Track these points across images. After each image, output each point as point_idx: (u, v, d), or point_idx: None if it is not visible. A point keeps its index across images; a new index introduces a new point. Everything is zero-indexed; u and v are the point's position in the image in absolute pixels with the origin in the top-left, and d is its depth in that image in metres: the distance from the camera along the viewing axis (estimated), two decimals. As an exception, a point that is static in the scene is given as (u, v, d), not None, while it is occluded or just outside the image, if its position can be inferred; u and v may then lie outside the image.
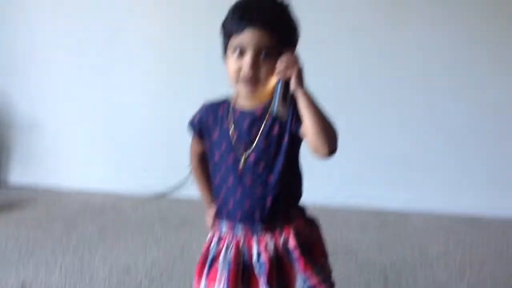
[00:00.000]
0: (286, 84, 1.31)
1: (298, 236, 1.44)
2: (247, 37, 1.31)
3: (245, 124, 1.41)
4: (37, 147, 3.86)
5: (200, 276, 1.48)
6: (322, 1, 3.36)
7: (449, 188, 3.43)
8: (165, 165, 3.61)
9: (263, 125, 1.40)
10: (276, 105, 1.32)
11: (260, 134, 1.40)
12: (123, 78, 3.67)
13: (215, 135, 1.46)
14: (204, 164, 1.57)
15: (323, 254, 1.53)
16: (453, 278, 2.54)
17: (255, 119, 1.41)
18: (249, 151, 1.41)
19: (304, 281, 1.44)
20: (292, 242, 1.42)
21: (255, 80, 1.35)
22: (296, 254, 1.42)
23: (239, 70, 1.34)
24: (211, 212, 1.53)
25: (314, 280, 1.44)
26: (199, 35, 3.34)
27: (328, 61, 3.36)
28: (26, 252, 2.77)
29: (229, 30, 1.35)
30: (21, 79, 3.78)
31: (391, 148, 3.46)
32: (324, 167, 3.49)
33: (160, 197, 3.62)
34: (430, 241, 2.98)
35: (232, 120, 1.43)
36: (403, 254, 2.81)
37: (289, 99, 1.33)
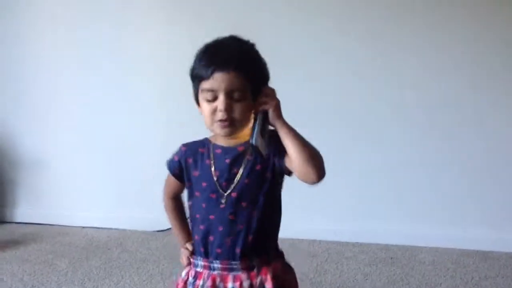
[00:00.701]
0: (264, 117, 1.35)
1: (275, 279, 1.43)
2: (217, 81, 1.33)
3: (226, 161, 1.42)
4: (42, 184, 3.87)
5: None
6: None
7: (458, 222, 3.41)
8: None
9: (245, 161, 1.41)
10: (255, 137, 1.33)
11: (243, 171, 1.41)
12: (128, 114, 3.69)
13: (196, 174, 1.46)
14: (178, 203, 1.61)
15: None
16: (462, 314, 2.51)
17: (237, 156, 1.42)
18: (232, 188, 1.41)
19: None
20: (268, 285, 1.42)
21: (230, 122, 1.36)
22: None
23: (213, 113, 1.36)
24: (185, 249, 1.53)
25: None
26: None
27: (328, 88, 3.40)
28: (31, 288, 2.76)
29: (198, 75, 1.37)
30: (27, 116, 3.81)
31: (399, 183, 3.46)
32: (331, 202, 3.51)
33: (165, 233, 3.60)
34: (439, 276, 2.95)
35: (213, 158, 1.44)
36: (411, 289, 2.78)
37: (267, 132, 1.35)
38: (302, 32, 3.43)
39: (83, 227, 3.72)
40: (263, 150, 1.36)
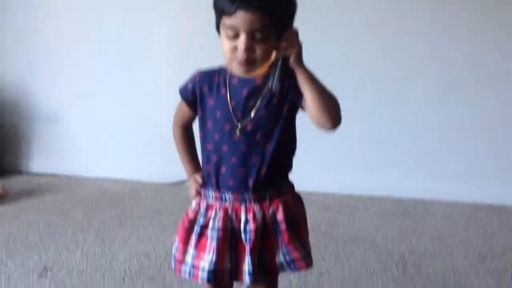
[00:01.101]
0: (285, 61, 1.32)
1: (286, 210, 1.45)
2: (239, 20, 1.28)
3: (244, 92, 1.40)
4: (57, 137, 3.89)
5: (185, 244, 1.48)
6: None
7: (471, 176, 3.41)
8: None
9: (262, 94, 1.39)
10: (275, 83, 1.33)
11: (260, 103, 1.39)
12: (142, 66, 3.68)
13: (210, 103, 1.43)
14: (188, 132, 1.58)
15: (306, 231, 1.54)
16: (472, 267, 2.52)
17: (254, 88, 1.40)
18: (247, 120, 1.40)
19: (285, 255, 1.45)
20: (280, 215, 1.44)
21: (250, 62, 1.33)
22: (282, 227, 1.44)
23: (233, 50, 1.32)
24: (194, 180, 1.53)
25: (295, 254, 1.46)
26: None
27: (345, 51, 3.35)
28: (47, 237, 2.80)
29: (220, 8, 1.31)
30: (41, 71, 3.81)
31: (413, 137, 3.44)
32: (346, 156, 3.51)
33: (179, 184, 3.63)
34: (451, 229, 2.96)
35: (229, 88, 1.41)
36: (423, 242, 2.79)
37: (285, 76, 1.34)
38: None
39: (98, 178, 3.76)
40: (278, 90, 1.35)
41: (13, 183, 3.63)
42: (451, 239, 2.84)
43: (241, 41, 1.30)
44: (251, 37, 1.29)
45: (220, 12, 1.32)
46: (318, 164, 3.41)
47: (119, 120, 3.77)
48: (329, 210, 3.19)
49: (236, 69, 1.38)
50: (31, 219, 3.03)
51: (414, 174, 3.46)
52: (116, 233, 2.86)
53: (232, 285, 1.60)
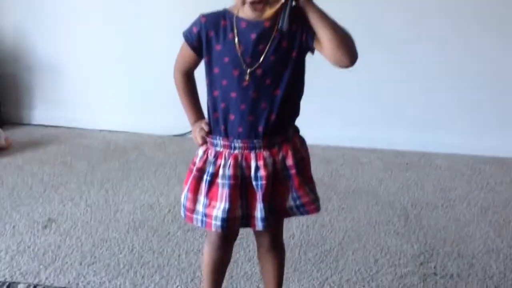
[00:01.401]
0: (294, 0, 1.30)
1: (294, 154, 1.45)
2: None
3: (252, 36, 1.36)
4: (59, 88, 3.86)
5: (195, 193, 1.47)
6: None
7: (474, 129, 3.40)
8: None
9: (272, 38, 1.36)
10: (285, 21, 1.31)
11: (269, 47, 1.36)
12: (143, 18, 3.62)
13: (218, 48, 1.39)
14: (191, 79, 1.54)
15: (311, 174, 1.53)
16: (475, 219, 2.54)
17: (263, 31, 1.36)
18: (257, 64, 1.37)
19: (295, 199, 1.46)
20: (290, 160, 1.44)
21: (263, 2, 1.31)
22: (292, 171, 1.45)
23: None
24: (200, 128, 1.50)
25: (306, 199, 1.47)
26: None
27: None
28: (51, 189, 2.81)
29: None
30: (43, 21, 3.75)
31: (415, 90, 3.41)
32: (348, 109, 3.49)
33: (182, 136, 3.62)
34: (453, 182, 2.97)
35: (237, 32, 1.37)
36: (425, 194, 2.81)
37: (295, 14, 1.32)
38: None
39: (101, 130, 3.75)
40: (287, 29, 1.33)
41: (15, 134, 3.62)
42: (454, 191, 2.85)
43: None
44: None
45: None
46: (321, 117, 3.38)
47: (122, 72, 3.74)
48: (332, 163, 3.19)
49: (247, 11, 1.35)
50: (35, 170, 3.05)
51: (417, 127, 3.45)
52: (120, 185, 2.87)
53: (237, 235, 1.64)
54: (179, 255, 2.19)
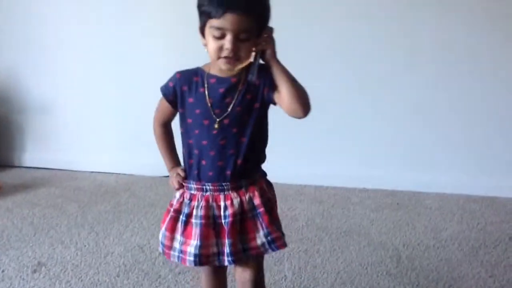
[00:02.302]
0: (261, 54, 1.47)
1: (261, 195, 1.58)
2: (227, 22, 1.39)
3: (220, 90, 1.52)
4: (50, 129, 3.87)
5: (172, 231, 1.61)
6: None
7: (465, 169, 3.42)
8: (177, 146, 3.60)
9: (237, 91, 1.52)
10: (254, 74, 1.47)
11: (235, 100, 1.52)
12: (135, 59, 3.66)
13: (190, 101, 1.55)
14: (168, 129, 1.71)
15: (277, 214, 1.67)
16: (466, 259, 2.53)
17: (230, 86, 1.52)
18: (224, 115, 1.52)
19: (266, 235, 1.58)
20: (257, 200, 1.57)
21: (235, 59, 1.45)
22: (261, 210, 1.57)
23: (219, 49, 1.43)
24: (176, 174, 1.64)
25: (275, 234, 1.59)
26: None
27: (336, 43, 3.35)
28: (41, 232, 2.80)
29: (207, 12, 1.42)
30: (34, 62, 3.78)
31: (406, 129, 3.44)
32: (339, 148, 3.51)
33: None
34: (444, 222, 2.97)
35: (207, 87, 1.53)
36: (417, 235, 2.81)
37: (259, 68, 1.48)
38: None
39: (92, 172, 3.75)
40: (255, 81, 1.49)
41: (6, 176, 3.62)
42: (445, 231, 2.85)
43: (228, 41, 1.41)
44: (236, 37, 1.41)
45: (207, 15, 1.42)
46: (311, 157, 3.40)
47: (112, 114, 3.76)
48: (323, 203, 3.19)
49: (220, 65, 1.48)
50: (25, 213, 3.03)
51: (408, 166, 3.47)
52: (111, 227, 2.86)
53: (225, 272, 1.77)
54: (170, 299, 2.17)
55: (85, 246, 2.63)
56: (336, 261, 2.50)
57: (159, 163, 3.59)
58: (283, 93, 1.46)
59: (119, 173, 3.71)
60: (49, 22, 3.73)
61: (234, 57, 1.44)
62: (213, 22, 1.41)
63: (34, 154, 3.89)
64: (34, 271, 2.37)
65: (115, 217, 2.99)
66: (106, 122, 3.79)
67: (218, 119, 1.52)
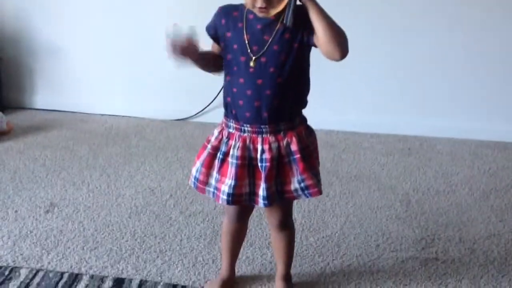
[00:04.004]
0: None
1: (299, 141, 1.57)
2: None
3: (258, 26, 1.50)
4: (60, 72, 3.84)
5: (209, 168, 1.62)
6: None
7: (476, 114, 3.38)
8: (189, 89, 3.59)
9: (276, 29, 1.49)
10: (289, 18, 1.44)
11: (273, 37, 1.49)
12: (146, 3, 3.59)
13: (228, 35, 1.54)
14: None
15: (317, 162, 1.67)
16: (476, 203, 2.54)
17: (268, 23, 1.49)
18: (261, 52, 1.50)
19: (300, 182, 1.58)
20: (294, 146, 1.56)
21: (269, 7, 1.44)
22: (297, 156, 1.57)
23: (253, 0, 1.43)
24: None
25: (309, 181, 1.59)
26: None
27: None
28: (53, 173, 2.82)
29: None
30: (45, 4, 3.70)
31: (417, 75, 3.39)
32: (351, 94, 3.48)
33: (184, 121, 3.62)
34: (455, 166, 2.97)
35: (245, 22, 1.52)
36: (427, 179, 2.80)
37: (297, 9, 1.45)
38: None
39: (102, 115, 3.74)
40: (291, 24, 1.46)
41: (17, 118, 3.62)
42: (455, 176, 2.85)
43: None
44: None
45: None
46: (323, 102, 3.37)
47: (123, 57, 3.72)
48: (334, 148, 3.19)
49: (258, 14, 1.47)
50: (36, 154, 3.05)
51: (419, 111, 3.44)
52: (122, 169, 2.87)
53: (253, 208, 1.78)
54: (180, 240, 2.20)
55: (96, 187, 2.65)
56: (346, 205, 2.51)
57: (170, 106, 3.64)
58: (319, 34, 1.42)
59: (130, 116, 3.70)
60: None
61: (268, 5, 1.42)
62: None
63: (45, 96, 3.88)
64: (47, 212, 2.40)
65: (126, 160, 3.00)
66: (117, 65, 3.75)
67: (254, 57, 1.50)
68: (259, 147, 1.56)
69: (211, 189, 1.63)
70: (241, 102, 1.54)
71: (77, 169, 2.88)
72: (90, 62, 3.77)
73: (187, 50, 1.49)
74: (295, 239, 1.90)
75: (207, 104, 3.54)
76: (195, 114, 3.63)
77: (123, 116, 3.71)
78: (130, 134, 3.41)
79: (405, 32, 3.33)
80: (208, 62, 1.61)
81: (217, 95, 3.38)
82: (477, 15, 3.24)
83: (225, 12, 1.56)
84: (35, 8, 3.74)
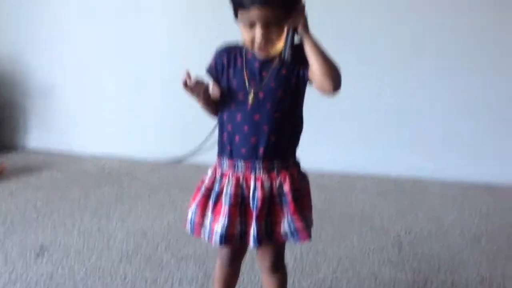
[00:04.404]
0: (294, 31, 1.45)
1: (292, 182, 1.57)
2: (254, 14, 1.41)
3: (256, 64, 1.53)
4: (53, 112, 3.87)
5: (203, 208, 1.60)
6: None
7: (467, 156, 3.41)
8: (181, 130, 3.61)
9: (273, 66, 1.52)
10: (287, 52, 1.46)
11: (270, 74, 1.52)
12: (137, 43, 3.65)
13: (229, 73, 1.57)
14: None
15: (309, 207, 1.64)
16: (468, 246, 2.54)
17: (266, 60, 1.52)
18: (259, 88, 1.53)
19: (289, 223, 1.57)
20: (286, 186, 1.56)
21: (267, 45, 1.46)
22: (288, 198, 1.56)
23: (252, 39, 1.45)
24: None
25: (299, 224, 1.57)
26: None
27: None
28: (44, 215, 2.80)
29: (236, 2, 1.44)
30: (38, 45, 3.77)
31: (409, 117, 3.44)
32: (345, 135, 3.51)
33: (176, 163, 3.63)
34: (446, 209, 2.98)
35: (244, 60, 1.55)
36: (419, 221, 2.81)
37: (294, 45, 1.47)
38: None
39: (95, 155, 3.75)
40: (289, 59, 1.47)
41: (10, 159, 3.62)
42: (447, 218, 2.85)
43: (257, 31, 1.44)
44: (266, 26, 1.43)
45: (237, 3, 1.44)
46: (316, 142, 3.40)
47: (116, 98, 3.76)
48: (326, 189, 3.20)
49: (257, 53, 1.51)
50: (28, 196, 3.04)
51: (411, 153, 3.47)
52: (113, 211, 2.87)
53: (245, 251, 1.76)
54: (172, 284, 2.18)
55: (87, 230, 2.64)
56: (338, 248, 2.50)
57: (162, 147, 3.65)
58: (314, 66, 1.45)
59: (122, 157, 3.71)
60: (52, 8, 3.71)
61: (266, 44, 1.46)
62: (242, 13, 1.43)
63: (38, 137, 3.90)
64: (37, 256, 2.38)
65: (118, 201, 2.99)
66: (110, 107, 3.78)
67: (253, 93, 1.53)
68: (252, 185, 1.56)
69: (207, 231, 1.62)
70: (237, 138, 1.56)
71: (69, 210, 2.86)
72: (83, 103, 3.81)
73: (197, 87, 1.53)
74: (287, 283, 1.89)
75: (199, 146, 3.55)
76: (188, 155, 3.64)
77: (116, 157, 3.72)
78: (123, 175, 3.41)
79: (398, 75, 3.40)
80: (212, 103, 1.62)
81: (208, 136, 3.39)
82: (468, 59, 3.31)
83: (226, 50, 1.59)
84: (29, 50, 3.80)
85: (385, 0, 3.33)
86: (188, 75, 1.51)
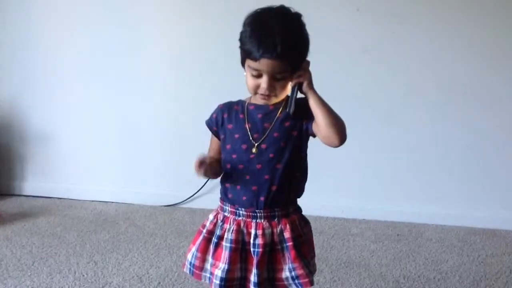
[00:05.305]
0: (298, 86, 1.51)
1: (293, 229, 1.58)
2: (263, 65, 1.46)
3: (259, 115, 1.58)
4: (50, 158, 3.88)
5: (204, 253, 1.62)
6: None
7: (465, 201, 3.42)
8: (178, 175, 3.61)
9: (275, 117, 1.57)
10: (292, 107, 1.52)
11: (273, 125, 1.56)
12: (135, 89, 3.68)
13: (230, 127, 1.61)
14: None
15: (311, 253, 1.66)
16: (467, 291, 2.52)
17: (268, 112, 1.58)
18: (262, 139, 1.56)
19: (291, 270, 1.58)
20: (287, 233, 1.57)
21: (271, 95, 1.53)
22: (289, 244, 1.57)
23: (256, 87, 1.51)
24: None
25: (300, 271, 1.57)
26: (211, 48, 3.39)
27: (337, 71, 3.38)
28: (40, 260, 2.78)
29: (247, 51, 1.49)
30: (35, 91, 3.80)
31: (406, 162, 3.46)
32: (341, 180, 3.52)
33: (172, 207, 3.62)
34: (445, 254, 2.96)
35: (246, 113, 1.60)
36: (417, 266, 2.79)
37: (298, 99, 1.52)
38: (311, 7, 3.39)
39: (91, 201, 3.74)
40: (293, 113, 1.53)
41: (6, 205, 3.61)
42: (445, 263, 2.84)
43: (264, 81, 1.49)
44: (272, 77, 1.49)
45: (247, 53, 1.49)
46: (312, 188, 3.39)
47: (113, 143, 3.77)
48: (323, 234, 3.19)
49: (260, 101, 1.57)
50: (24, 242, 3.02)
51: (408, 198, 3.47)
52: (110, 256, 2.84)
53: None
54: (168, 330, 2.15)
55: (83, 275, 2.61)
56: (336, 293, 2.48)
57: (159, 192, 3.64)
58: (319, 121, 1.49)
59: (119, 202, 3.70)
60: (50, 54, 3.76)
61: (270, 94, 1.52)
62: (251, 63, 1.48)
63: (34, 182, 3.89)
64: (32, 301, 2.35)
65: (114, 247, 2.97)
66: (106, 151, 3.79)
67: (256, 143, 1.56)
68: (253, 232, 1.57)
69: (207, 274, 1.63)
70: (238, 187, 1.59)
71: (64, 256, 2.84)
72: (79, 149, 3.82)
73: (203, 167, 1.55)
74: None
75: (197, 190, 3.55)
76: (185, 200, 3.64)
77: (113, 202, 3.72)
78: (119, 220, 3.40)
79: (393, 119, 3.43)
80: (215, 170, 1.64)
81: (206, 182, 3.40)
82: (465, 101, 3.36)
83: (227, 107, 1.64)
84: (27, 95, 3.82)
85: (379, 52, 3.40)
86: (199, 163, 1.53)
